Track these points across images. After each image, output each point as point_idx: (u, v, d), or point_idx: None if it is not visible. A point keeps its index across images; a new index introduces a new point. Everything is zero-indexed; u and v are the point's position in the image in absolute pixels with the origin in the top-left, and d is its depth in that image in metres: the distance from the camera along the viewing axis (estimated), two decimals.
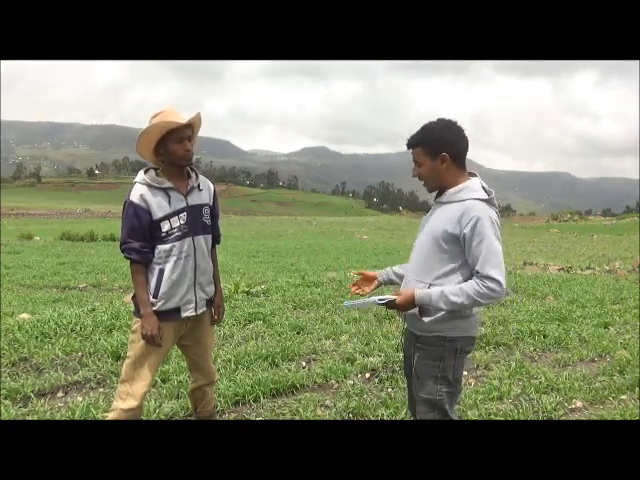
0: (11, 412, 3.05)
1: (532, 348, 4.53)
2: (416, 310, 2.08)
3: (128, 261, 2.36)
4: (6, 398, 3.26)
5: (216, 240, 2.59)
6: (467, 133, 2.05)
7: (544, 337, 4.78)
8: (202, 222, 2.45)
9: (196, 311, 2.45)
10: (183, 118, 2.35)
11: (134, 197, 2.31)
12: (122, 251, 2.35)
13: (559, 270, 11.67)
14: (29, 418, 3.02)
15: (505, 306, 6.31)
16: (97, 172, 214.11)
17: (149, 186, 2.34)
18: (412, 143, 2.09)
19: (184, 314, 2.42)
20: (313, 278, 8.12)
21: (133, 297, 2.42)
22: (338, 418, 3.10)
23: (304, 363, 4.04)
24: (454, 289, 1.97)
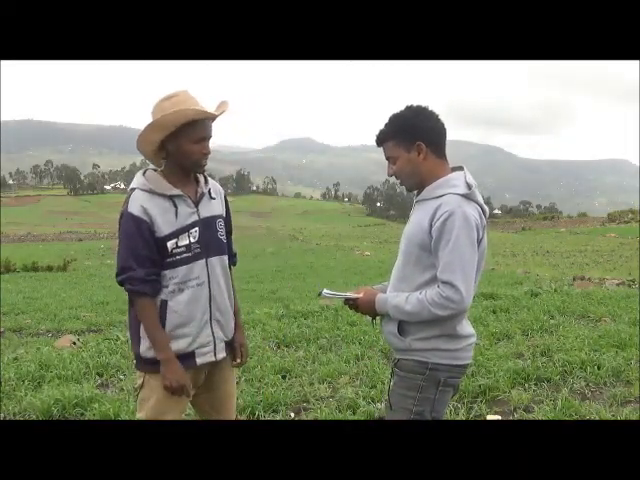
0: None
1: (583, 383, 4.67)
2: (394, 326, 2.21)
3: (127, 294, 2.32)
4: None
5: (232, 261, 2.61)
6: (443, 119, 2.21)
7: (598, 369, 4.90)
8: (216, 239, 2.44)
9: (215, 356, 2.45)
10: (204, 106, 2.28)
11: (133, 208, 2.28)
12: (121, 282, 2.31)
13: (618, 285, 11.91)
14: None
15: (548, 332, 6.46)
16: (11, 182, 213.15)
17: (151, 193, 2.31)
18: (382, 137, 2.25)
19: (200, 360, 2.39)
20: (300, 307, 8.25)
21: (135, 343, 2.39)
22: None
23: (292, 414, 4.15)
24: (413, 296, 2.13)
